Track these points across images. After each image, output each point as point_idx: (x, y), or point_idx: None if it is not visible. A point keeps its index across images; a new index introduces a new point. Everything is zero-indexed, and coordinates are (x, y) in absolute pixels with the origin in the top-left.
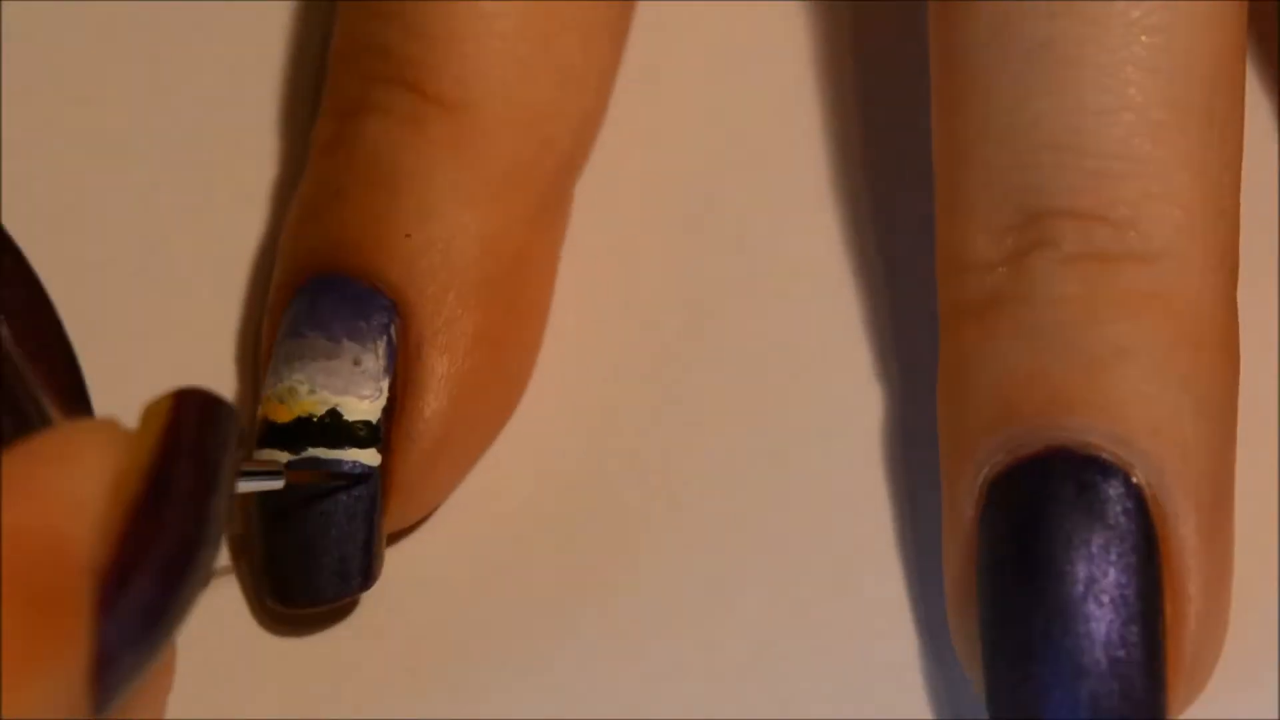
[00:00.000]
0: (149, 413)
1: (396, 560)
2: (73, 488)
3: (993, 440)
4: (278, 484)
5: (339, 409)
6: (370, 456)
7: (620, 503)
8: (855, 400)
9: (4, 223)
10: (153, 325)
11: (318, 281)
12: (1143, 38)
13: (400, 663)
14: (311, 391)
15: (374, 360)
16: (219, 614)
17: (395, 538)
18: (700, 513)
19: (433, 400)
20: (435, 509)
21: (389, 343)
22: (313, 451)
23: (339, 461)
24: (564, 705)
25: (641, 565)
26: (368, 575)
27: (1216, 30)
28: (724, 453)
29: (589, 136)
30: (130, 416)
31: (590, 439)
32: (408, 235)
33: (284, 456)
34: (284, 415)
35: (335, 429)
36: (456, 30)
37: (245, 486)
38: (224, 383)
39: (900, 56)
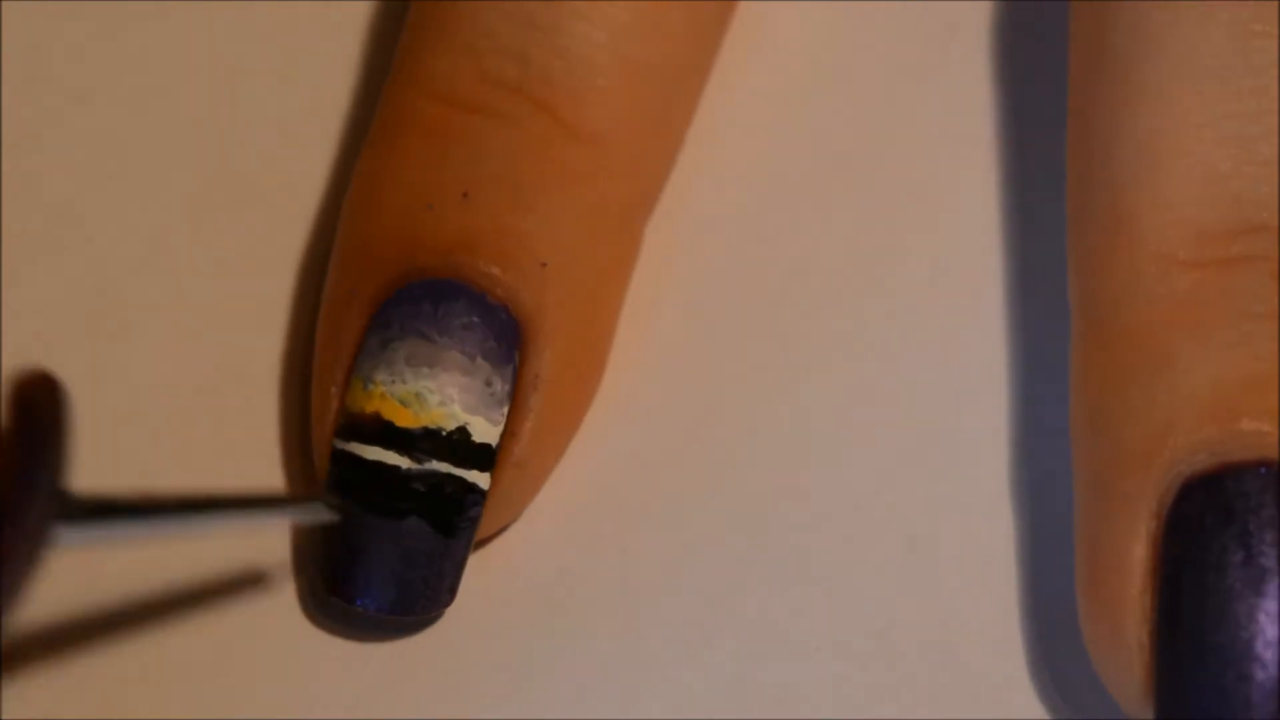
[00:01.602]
0: None
1: None
2: None
3: (1198, 437)
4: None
5: (468, 428)
6: (486, 480)
7: (614, 498)
8: (899, 397)
9: (4, 222)
10: (152, 322)
11: (441, 284)
12: None
13: (391, 659)
14: (443, 404)
15: (502, 385)
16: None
17: None
18: (703, 509)
19: (533, 430)
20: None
21: (514, 368)
22: (437, 465)
23: (460, 479)
24: (557, 704)
25: (640, 562)
26: (454, 592)
27: None
28: (728, 450)
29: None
30: (122, 412)
31: (592, 437)
32: (544, 264)
33: (402, 461)
34: (409, 420)
35: (463, 447)
36: (599, 60)
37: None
38: (222, 374)
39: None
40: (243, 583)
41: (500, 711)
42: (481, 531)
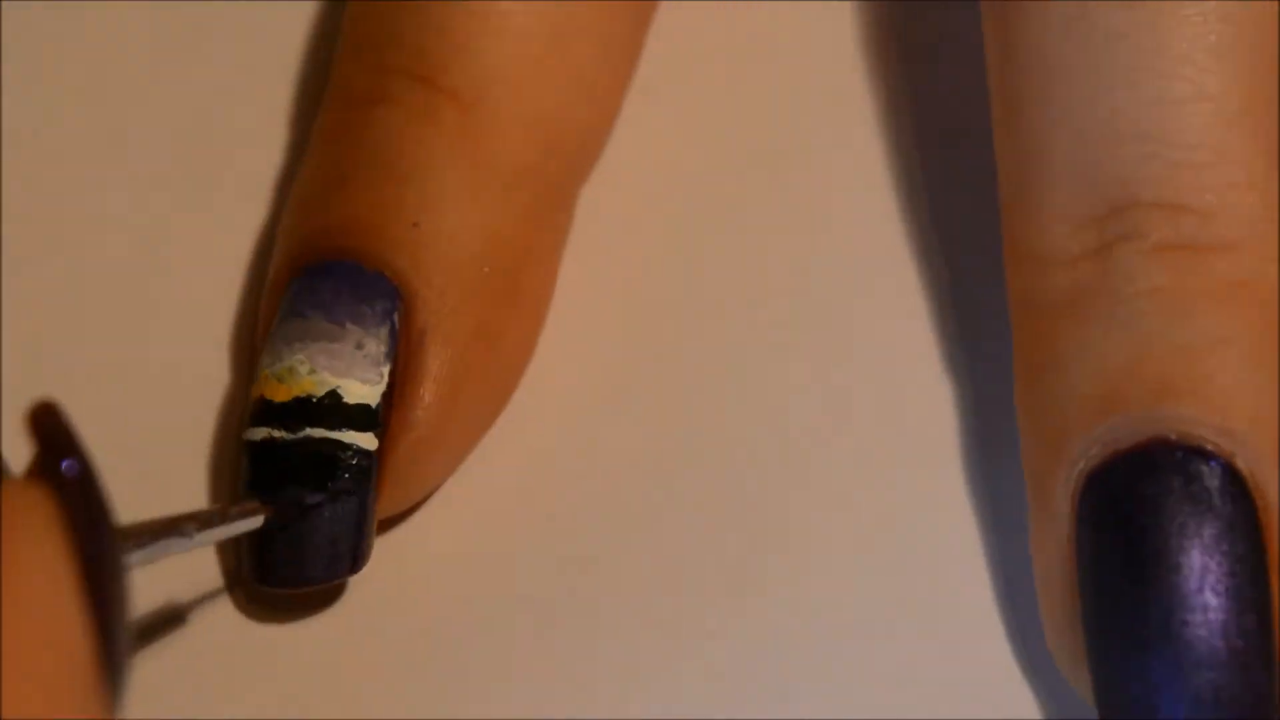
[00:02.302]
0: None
1: (382, 550)
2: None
3: (1090, 433)
4: (256, 523)
5: (339, 390)
6: (368, 440)
7: (609, 496)
8: (881, 395)
9: (4, 222)
10: (151, 320)
11: (320, 264)
12: (1217, 26)
13: (384, 655)
14: (312, 372)
15: (376, 345)
16: (199, 600)
17: (382, 528)
18: (693, 506)
19: (432, 390)
20: (425, 498)
21: (392, 329)
22: (310, 431)
23: (337, 441)
24: (552, 700)
25: (631, 560)
26: (357, 559)
27: None
28: (711, 447)
29: (597, 144)
30: (126, 409)
31: (581, 433)
32: (416, 224)
33: (279, 433)
34: (282, 394)
35: (335, 410)
36: (473, 27)
37: (225, 532)
38: (219, 372)
39: (917, 54)
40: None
41: (497, 711)
42: (394, 503)
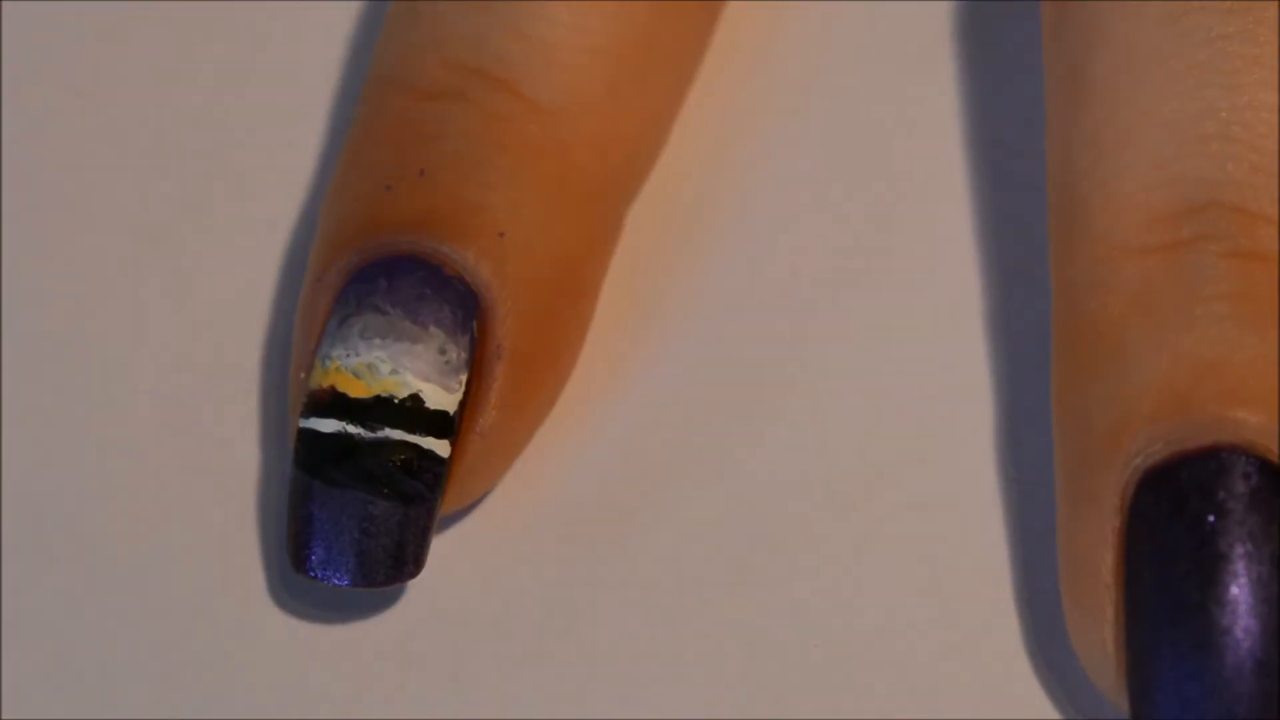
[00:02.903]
0: None
1: None
2: None
3: (1154, 428)
4: None
5: (421, 395)
6: (444, 448)
7: (636, 506)
8: (894, 393)
9: (4, 222)
10: (151, 320)
11: (398, 259)
12: None
13: (385, 653)
14: (394, 372)
15: (458, 353)
16: (198, 599)
17: None
18: (705, 509)
19: (499, 403)
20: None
21: (472, 338)
22: (390, 432)
23: (415, 445)
24: (555, 700)
25: (653, 569)
26: (419, 564)
27: None
28: (724, 450)
29: (650, 169)
30: (126, 409)
31: (587, 434)
32: (501, 234)
33: (356, 430)
34: (360, 390)
35: (416, 414)
36: (559, 38)
37: None
38: (220, 370)
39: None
40: (218, 578)
41: (498, 711)
42: (451, 503)
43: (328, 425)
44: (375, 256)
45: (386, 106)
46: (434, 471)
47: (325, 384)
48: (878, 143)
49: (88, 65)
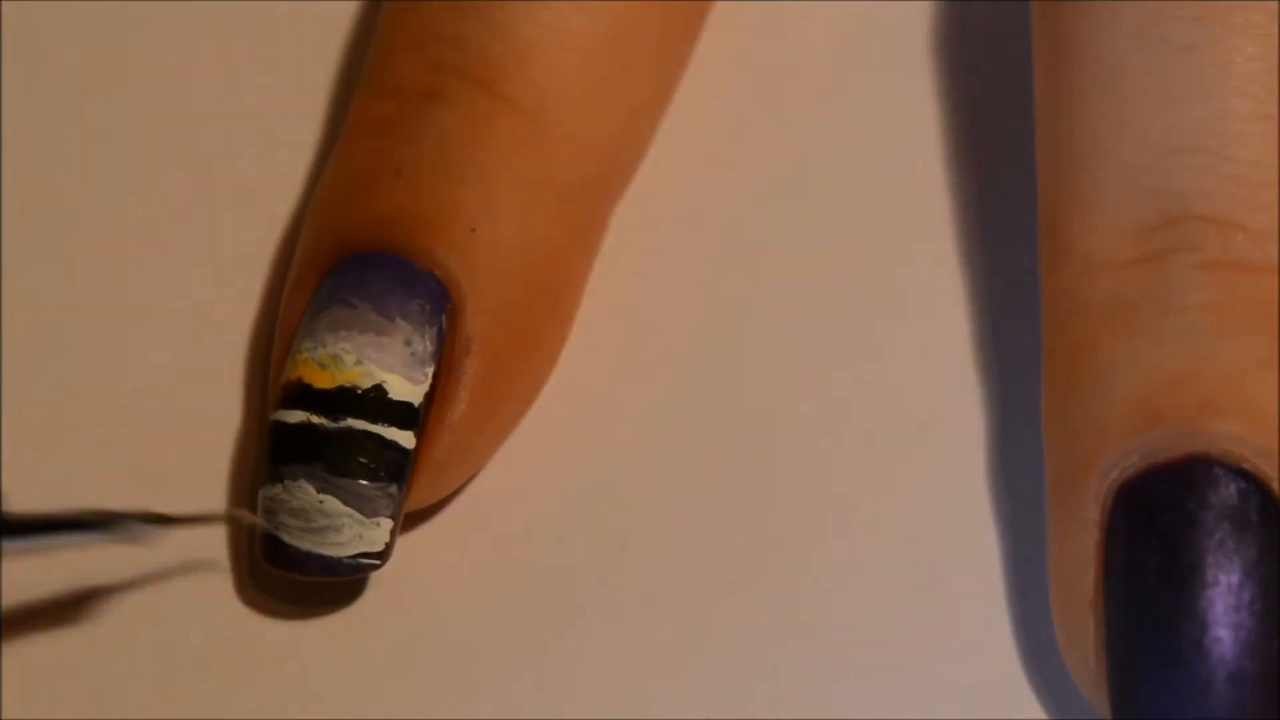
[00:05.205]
0: None
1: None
2: None
3: (1127, 443)
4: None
5: (385, 385)
6: (407, 439)
7: (625, 503)
8: (898, 397)
9: (4, 222)
10: (151, 320)
11: (370, 255)
12: None
13: (387, 652)
14: (358, 363)
15: (424, 345)
16: (202, 597)
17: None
18: (707, 507)
19: (469, 397)
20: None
21: (439, 331)
22: (352, 422)
23: (377, 435)
24: (559, 700)
25: (640, 567)
26: (384, 554)
27: None
28: (717, 450)
29: (637, 166)
30: (126, 408)
31: (588, 433)
32: (473, 229)
33: (318, 419)
34: (324, 380)
35: (379, 404)
36: (539, 37)
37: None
38: (220, 371)
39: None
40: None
41: (498, 711)
42: (421, 498)
43: (293, 416)
44: (348, 253)
45: (372, 109)
46: (396, 462)
47: (293, 376)
48: (870, 142)
49: (88, 65)
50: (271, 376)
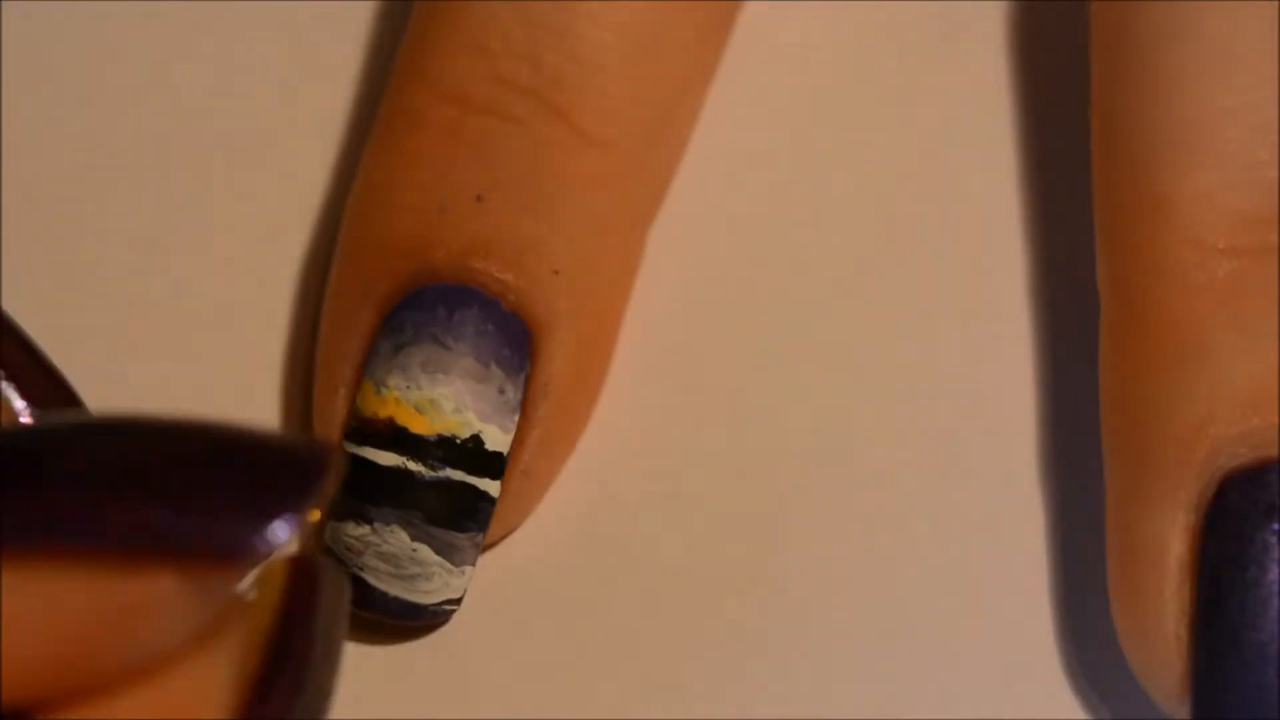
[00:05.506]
0: (263, 580)
1: None
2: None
3: (1239, 431)
4: None
5: (481, 436)
6: (496, 490)
7: (644, 507)
8: (931, 397)
9: (4, 223)
10: (153, 322)
11: (454, 290)
12: None
13: (396, 655)
14: (457, 410)
15: (515, 393)
16: None
17: None
18: (724, 509)
19: (540, 439)
20: None
21: (525, 379)
22: (451, 473)
23: (473, 487)
24: (566, 705)
25: (662, 570)
26: (462, 599)
27: None
28: (751, 452)
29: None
30: (127, 405)
31: (600, 441)
32: (556, 271)
33: (416, 467)
34: (423, 427)
35: (476, 455)
36: (610, 67)
37: None
38: (221, 373)
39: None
40: None
41: (499, 712)
42: (488, 537)
43: (386, 458)
44: (432, 280)
45: (431, 114)
46: (486, 511)
47: (383, 414)
48: (894, 137)
49: (88, 65)
50: (323, 395)
